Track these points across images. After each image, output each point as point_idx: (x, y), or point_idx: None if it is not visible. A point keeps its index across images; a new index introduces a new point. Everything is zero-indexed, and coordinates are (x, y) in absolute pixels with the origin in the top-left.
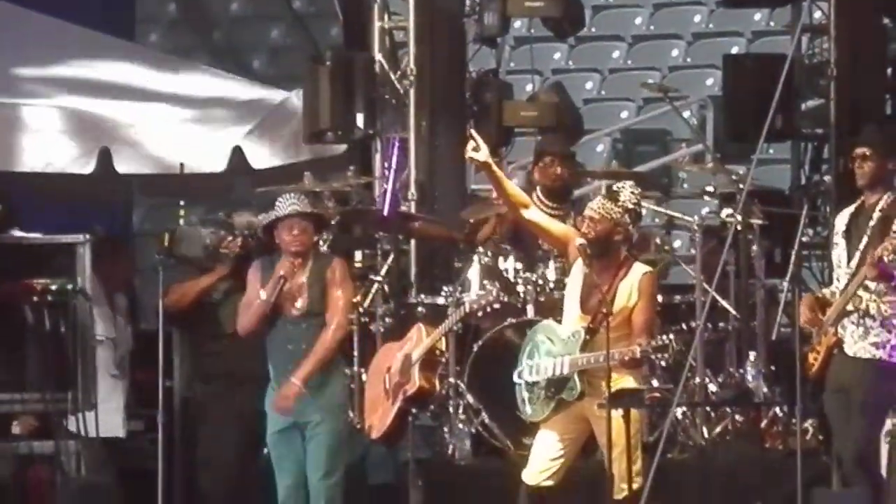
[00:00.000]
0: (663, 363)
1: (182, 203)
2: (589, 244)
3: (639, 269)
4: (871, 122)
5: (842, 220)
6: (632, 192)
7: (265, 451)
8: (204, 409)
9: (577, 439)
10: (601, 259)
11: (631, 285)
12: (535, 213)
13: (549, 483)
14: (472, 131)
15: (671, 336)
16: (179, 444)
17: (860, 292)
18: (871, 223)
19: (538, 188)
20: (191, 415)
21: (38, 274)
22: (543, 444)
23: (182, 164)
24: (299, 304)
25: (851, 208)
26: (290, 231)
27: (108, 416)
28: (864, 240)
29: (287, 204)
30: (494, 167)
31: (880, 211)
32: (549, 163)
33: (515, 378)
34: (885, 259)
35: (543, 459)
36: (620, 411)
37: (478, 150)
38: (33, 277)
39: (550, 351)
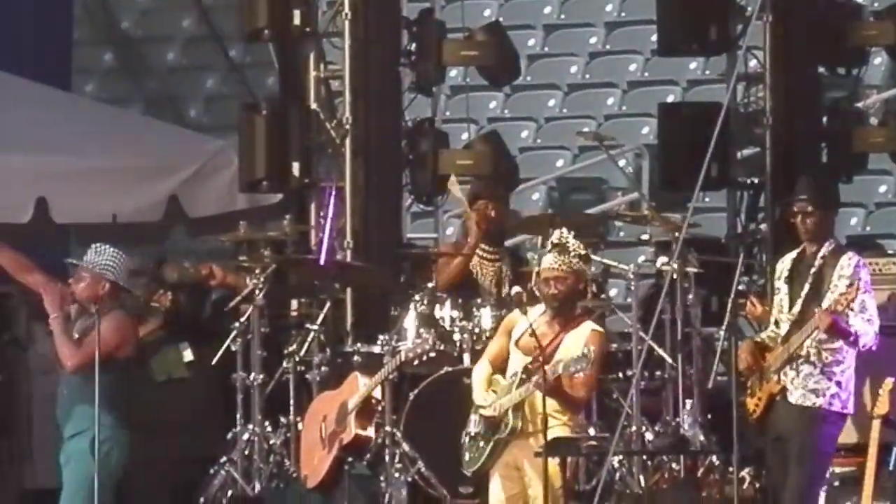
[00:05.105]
0: (581, 374)
1: None
2: (559, 303)
3: (588, 325)
4: (805, 175)
5: (783, 265)
6: (575, 238)
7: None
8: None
9: (521, 494)
10: (559, 315)
11: (577, 338)
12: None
13: None
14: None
15: (587, 349)
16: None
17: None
18: (813, 270)
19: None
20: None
21: None
22: None
23: (115, 215)
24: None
25: (793, 254)
26: None
27: (45, 466)
28: (806, 287)
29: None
30: None
31: (821, 258)
32: (484, 206)
33: (463, 438)
34: (839, 311)
35: None
36: (557, 460)
37: None
38: None
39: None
